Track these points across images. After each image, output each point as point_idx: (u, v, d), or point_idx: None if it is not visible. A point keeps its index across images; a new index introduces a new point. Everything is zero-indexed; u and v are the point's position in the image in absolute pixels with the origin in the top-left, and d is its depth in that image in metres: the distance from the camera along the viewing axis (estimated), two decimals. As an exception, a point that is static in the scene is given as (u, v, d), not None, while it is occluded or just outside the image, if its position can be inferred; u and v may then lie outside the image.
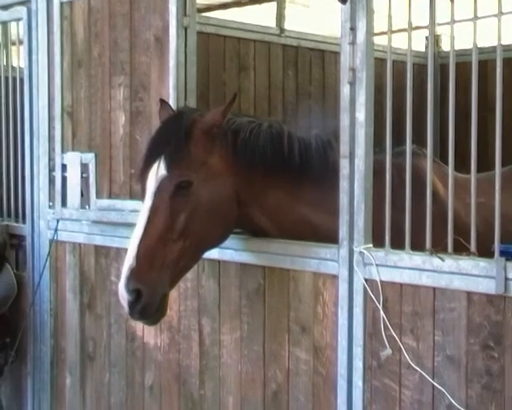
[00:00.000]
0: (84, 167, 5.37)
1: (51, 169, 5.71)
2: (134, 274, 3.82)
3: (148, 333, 5.05)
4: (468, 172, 3.70)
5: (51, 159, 5.71)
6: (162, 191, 3.94)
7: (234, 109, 4.23)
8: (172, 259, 3.93)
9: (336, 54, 6.08)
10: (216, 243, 4.21)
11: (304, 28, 6.72)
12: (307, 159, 4.27)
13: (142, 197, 4.09)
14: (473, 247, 3.51)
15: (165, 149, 3.99)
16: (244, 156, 4.15)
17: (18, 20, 6.09)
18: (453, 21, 3.61)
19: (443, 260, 3.52)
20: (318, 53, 6.58)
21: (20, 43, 6.15)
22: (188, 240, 3.95)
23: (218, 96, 5.79)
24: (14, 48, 6.41)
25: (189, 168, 3.99)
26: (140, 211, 4.02)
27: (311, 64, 6.55)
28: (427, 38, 7.28)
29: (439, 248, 3.60)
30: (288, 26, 6.42)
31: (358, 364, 3.88)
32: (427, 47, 7.35)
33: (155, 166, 3.98)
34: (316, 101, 6.49)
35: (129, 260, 3.85)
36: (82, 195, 5.40)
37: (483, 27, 3.54)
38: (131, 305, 3.85)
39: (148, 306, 3.88)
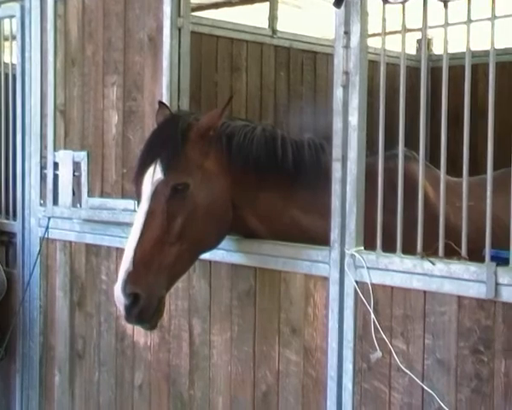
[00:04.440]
0: (76, 166, 5.38)
1: (43, 167, 5.71)
2: (131, 278, 3.81)
3: (137, 332, 5.05)
4: (458, 175, 3.72)
5: (43, 156, 5.72)
6: (159, 195, 3.94)
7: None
8: (169, 262, 3.93)
9: (328, 55, 6.14)
10: (212, 245, 4.22)
11: (296, 29, 6.74)
12: (300, 163, 4.28)
13: (137, 200, 4.09)
14: (463, 251, 3.53)
15: (161, 153, 3.99)
16: (238, 160, 4.16)
17: (11, 17, 6.09)
18: (447, 24, 3.62)
19: (434, 263, 3.54)
20: (310, 54, 6.58)
21: (13, 38, 6.14)
22: (184, 243, 3.96)
23: (210, 96, 5.80)
24: (6, 44, 6.40)
25: (186, 171, 3.99)
26: (136, 214, 4.02)
27: (303, 65, 6.55)
28: (418, 41, 7.32)
29: (429, 251, 3.62)
30: (280, 27, 6.43)
31: (348, 366, 3.89)
32: (418, 50, 7.39)
33: (151, 169, 3.98)
34: (307, 102, 6.50)
35: (125, 264, 3.84)
36: (73, 193, 5.41)
37: (473, 31, 3.55)
38: (128, 309, 3.85)
39: (146, 309, 3.87)
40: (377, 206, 3.80)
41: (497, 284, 3.32)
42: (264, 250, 4.25)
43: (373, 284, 3.76)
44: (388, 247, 3.77)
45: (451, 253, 3.56)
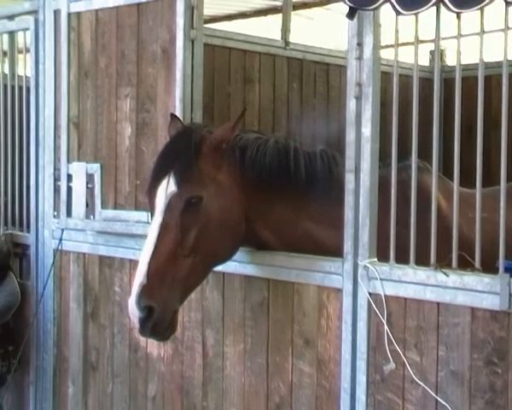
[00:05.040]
0: (90, 178, 5.39)
1: (56, 179, 5.72)
2: (145, 291, 3.81)
3: (151, 344, 5.05)
4: (471, 186, 3.71)
5: (56, 168, 5.72)
6: (172, 207, 3.94)
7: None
8: (183, 275, 3.93)
9: (341, 67, 6.14)
10: (225, 258, 4.22)
11: (308, 41, 6.75)
12: (313, 175, 4.28)
13: (151, 213, 4.10)
14: (477, 263, 3.52)
15: (174, 166, 4.00)
16: (251, 173, 4.17)
17: (25, 29, 6.10)
18: (460, 36, 3.62)
19: (447, 275, 3.53)
20: (323, 66, 6.59)
21: (27, 51, 6.17)
22: (198, 256, 3.96)
23: (223, 107, 5.81)
24: (20, 56, 6.43)
25: (199, 184, 4.00)
26: (150, 227, 4.03)
27: (316, 77, 6.56)
28: (431, 52, 7.31)
29: (442, 263, 3.61)
30: (292, 38, 6.44)
31: (362, 378, 3.88)
32: (431, 61, 7.38)
33: (164, 182, 3.99)
34: (320, 113, 6.50)
35: (140, 277, 3.84)
36: (87, 205, 5.42)
37: (487, 42, 3.55)
38: (143, 322, 3.84)
39: (160, 322, 3.87)
40: (390, 217, 3.80)
41: (510, 295, 3.32)
42: (277, 262, 4.25)
43: (386, 296, 3.76)
44: (401, 258, 3.76)
45: (465, 264, 3.56)
